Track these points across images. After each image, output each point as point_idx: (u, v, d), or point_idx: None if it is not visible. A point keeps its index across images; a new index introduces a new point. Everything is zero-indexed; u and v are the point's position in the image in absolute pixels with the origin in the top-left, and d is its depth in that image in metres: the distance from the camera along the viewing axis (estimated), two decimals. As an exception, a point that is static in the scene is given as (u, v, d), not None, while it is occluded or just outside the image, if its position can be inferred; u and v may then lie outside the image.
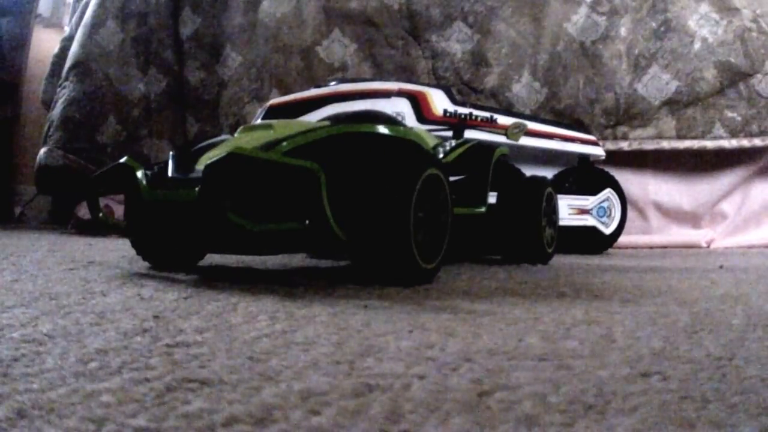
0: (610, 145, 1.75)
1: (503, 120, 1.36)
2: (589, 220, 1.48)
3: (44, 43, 2.45)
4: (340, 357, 0.37)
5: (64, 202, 2.06)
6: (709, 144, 1.72)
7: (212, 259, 1.02)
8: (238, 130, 0.85)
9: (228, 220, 0.62)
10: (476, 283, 0.76)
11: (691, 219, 1.78)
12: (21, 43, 2.38)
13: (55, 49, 2.20)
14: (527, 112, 1.77)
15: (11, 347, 0.37)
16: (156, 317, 0.48)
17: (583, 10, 1.79)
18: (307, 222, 0.64)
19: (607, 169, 1.83)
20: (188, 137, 1.97)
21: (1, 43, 2.36)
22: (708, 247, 1.72)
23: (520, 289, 0.71)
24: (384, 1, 1.87)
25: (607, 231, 1.50)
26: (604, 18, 1.78)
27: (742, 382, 0.33)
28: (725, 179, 1.77)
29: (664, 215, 1.79)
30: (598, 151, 1.54)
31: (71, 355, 0.36)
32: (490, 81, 1.80)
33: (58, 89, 2.02)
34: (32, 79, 2.41)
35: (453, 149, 0.96)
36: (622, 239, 1.76)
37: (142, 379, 0.31)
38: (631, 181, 1.79)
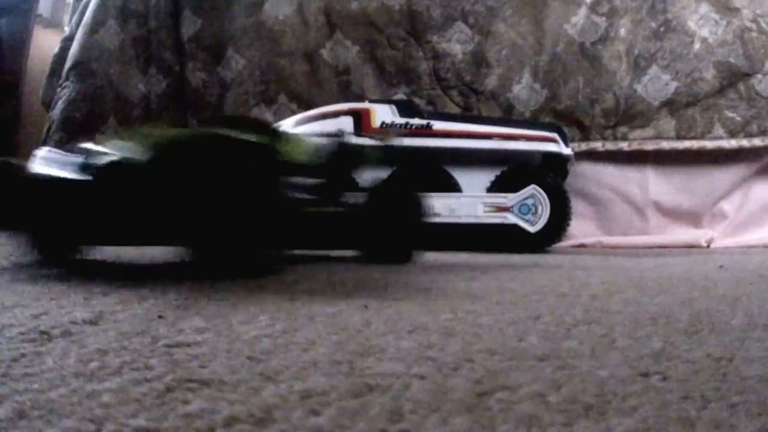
0: (610, 146, 1.75)
1: (439, 125, 1.45)
2: (509, 218, 1.46)
3: (44, 43, 2.45)
4: (340, 357, 0.37)
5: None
6: (708, 144, 1.72)
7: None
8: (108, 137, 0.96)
9: None
10: (476, 283, 0.76)
11: (691, 218, 1.78)
12: (21, 43, 2.38)
13: (55, 49, 2.20)
14: (527, 113, 1.77)
15: (11, 347, 0.37)
16: (156, 317, 0.48)
17: (583, 11, 1.79)
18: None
19: (607, 168, 1.82)
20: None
21: (1, 43, 2.36)
22: (708, 246, 1.72)
23: (520, 289, 0.71)
24: (384, 2, 1.87)
25: (533, 229, 1.46)
26: (603, 19, 1.78)
27: (742, 382, 0.33)
28: (725, 179, 1.76)
29: (664, 215, 1.79)
30: (551, 148, 1.47)
31: (71, 355, 0.36)
32: (491, 82, 1.80)
33: (58, 89, 2.02)
34: (32, 79, 2.41)
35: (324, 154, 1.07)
36: (622, 239, 1.76)
37: (142, 379, 0.31)
38: (631, 180, 1.79)
